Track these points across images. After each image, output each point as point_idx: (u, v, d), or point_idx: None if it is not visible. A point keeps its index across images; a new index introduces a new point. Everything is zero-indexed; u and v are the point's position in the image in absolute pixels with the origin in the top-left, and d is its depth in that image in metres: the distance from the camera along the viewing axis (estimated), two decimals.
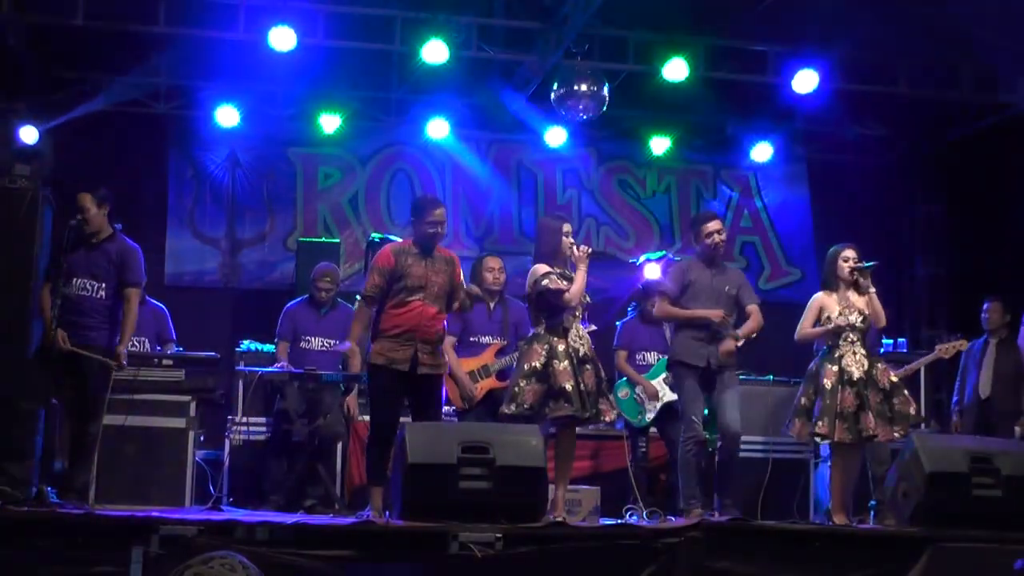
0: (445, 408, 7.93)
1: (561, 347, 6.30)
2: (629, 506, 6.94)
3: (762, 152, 11.18)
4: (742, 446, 7.41)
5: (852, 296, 6.90)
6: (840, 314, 6.85)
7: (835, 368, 6.80)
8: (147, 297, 8.16)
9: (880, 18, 9.20)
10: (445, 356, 6.73)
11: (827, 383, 6.78)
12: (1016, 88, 9.93)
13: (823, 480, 8.78)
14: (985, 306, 8.76)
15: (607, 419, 6.47)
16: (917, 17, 9.12)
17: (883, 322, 6.96)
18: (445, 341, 7.46)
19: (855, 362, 6.79)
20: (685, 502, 6.98)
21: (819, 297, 7.00)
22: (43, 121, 9.33)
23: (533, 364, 6.30)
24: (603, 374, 6.50)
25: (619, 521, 6.45)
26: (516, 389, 6.32)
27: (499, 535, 5.20)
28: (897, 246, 11.26)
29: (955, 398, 8.91)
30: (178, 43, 9.70)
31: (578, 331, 6.41)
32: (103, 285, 6.53)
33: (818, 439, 7.07)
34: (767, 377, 8.72)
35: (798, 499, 8.55)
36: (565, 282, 6.37)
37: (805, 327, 6.99)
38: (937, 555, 5.51)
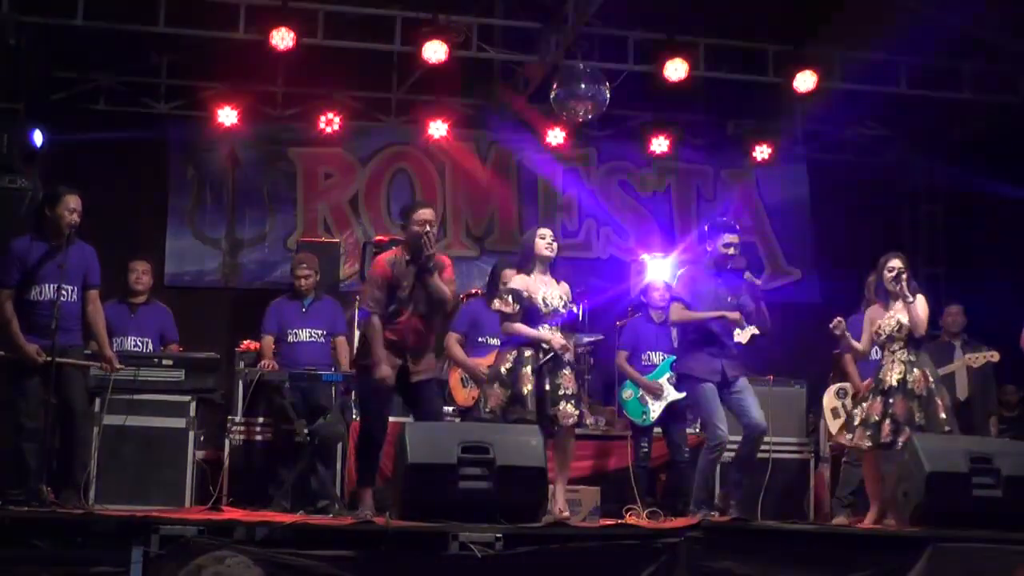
0: (447, 408, 7.97)
1: (528, 352, 6.34)
2: (629, 506, 6.94)
3: (762, 152, 11.18)
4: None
5: (897, 305, 6.92)
6: (882, 327, 6.89)
7: (874, 379, 6.90)
8: (153, 299, 8.18)
9: (880, 18, 9.22)
10: (435, 359, 6.70)
11: (864, 394, 6.93)
12: (1016, 87, 9.94)
13: (823, 480, 8.80)
14: (947, 310, 8.85)
15: (584, 421, 6.46)
16: (917, 17, 9.13)
17: (921, 331, 6.95)
18: (449, 337, 7.51)
19: (892, 371, 6.83)
20: (696, 506, 6.96)
21: (871, 311, 7.05)
22: (43, 122, 9.33)
23: (500, 369, 6.40)
24: (587, 377, 6.53)
25: (619, 521, 6.44)
26: (485, 394, 6.45)
27: (499, 535, 5.20)
28: (897, 246, 11.20)
29: None
30: (178, 43, 9.72)
31: (553, 335, 6.40)
32: (74, 288, 6.42)
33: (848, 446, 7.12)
34: (767, 378, 8.71)
35: (806, 498, 8.58)
36: (517, 307, 6.39)
37: (864, 343, 7.02)
38: (937, 555, 5.50)
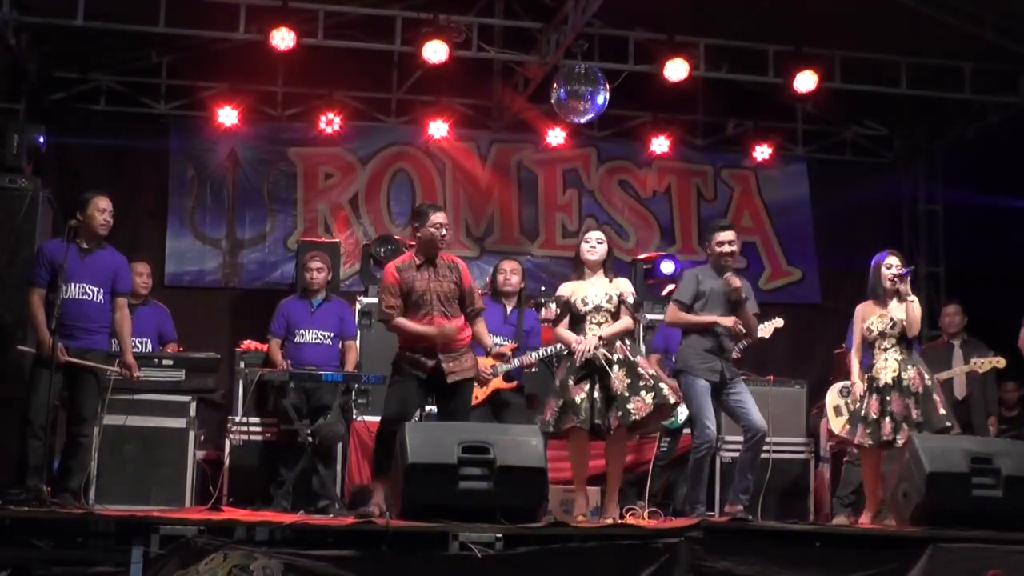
0: None
1: (578, 361, 6.37)
2: (630, 506, 6.94)
3: (762, 152, 11.19)
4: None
5: (893, 303, 6.90)
6: (873, 323, 6.87)
7: (867, 375, 6.89)
8: (151, 298, 8.20)
9: (880, 18, 9.21)
10: (473, 357, 6.67)
11: (857, 390, 6.91)
12: (1016, 87, 9.93)
13: (823, 480, 8.80)
14: (945, 310, 8.84)
15: (637, 416, 6.32)
16: (918, 16, 9.13)
17: (915, 331, 6.94)
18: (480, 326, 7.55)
19: (885, 367, 6.81)
20: (690, 506, 6.98)
21: (860, 308, 7.00)
22: (43, 122, 9.32)
23: (556, 382, 6.49)
24: (641, 371, 6.42)
25: (619, 521, 6.44)
26: (544, 405, 6.51)
27: (499, 535, 5.19)
28: (897, 246, 11.20)
29: None
30: (178, 43, 9.73)
31: (584, 339, 6.39)
32: (100, 291, 6.53)
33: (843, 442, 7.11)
34: (767, 378, 8.71)
35: (807, 498, 8.58)
36: (557, 312, 6.47)
37: (855, 341, 6.99)
38: (937, 555, 5.50)
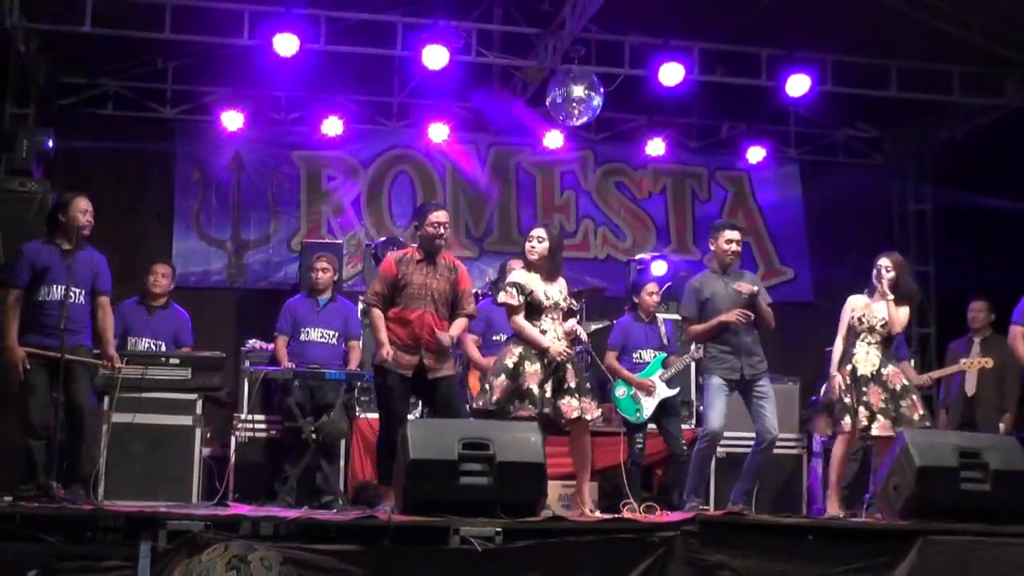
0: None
1: (534, 349, 6.45)
2: (626, 501, 7.06)
3: (756, 154, 11.28)
4: (737, 441, 7.56)
5: (882, 302, 7.05)
6: (865, 316, 7.02)
7: (848, 368, 7.03)
8: (172, 302, 8.29)
9: (870, 22, 9.32)
10: (451, 358, 6.77)
11: (836, 383, 7.04)
12: (1003, 90, 10.04)
13: (816, 474, 8.91)
14: (971, 306, 8.88)
15: (588, 417, 6.49)
16: (909, 20, 9.25)
17: (896, 330, 7.08)
18: (467, 338, 7.60)
19: (865, 360, 6.97)
20: (688, 495, 7.09)
21: (852, 299, 7.18)
22: (52, 126, 9.44)
23: (505, 362, 6.46)
24: (585, 373, 6.58)
25: (616, 515, 6.55)
26: (487, 385, 6.50)
27: (499, 529, 5.25)
28: (888, 246, 11.31)
29: (940, 395, 9.06)
30: (184, 49, 9.83)
31: (556, 332, 6.51)
32: (82, 292, 6.59)
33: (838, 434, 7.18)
34: None
35: (800, 493, 8.69)
36: (522, 298, 6.48)
37: (842, 331, 7.14)
38: (927, 548, 5.57)
